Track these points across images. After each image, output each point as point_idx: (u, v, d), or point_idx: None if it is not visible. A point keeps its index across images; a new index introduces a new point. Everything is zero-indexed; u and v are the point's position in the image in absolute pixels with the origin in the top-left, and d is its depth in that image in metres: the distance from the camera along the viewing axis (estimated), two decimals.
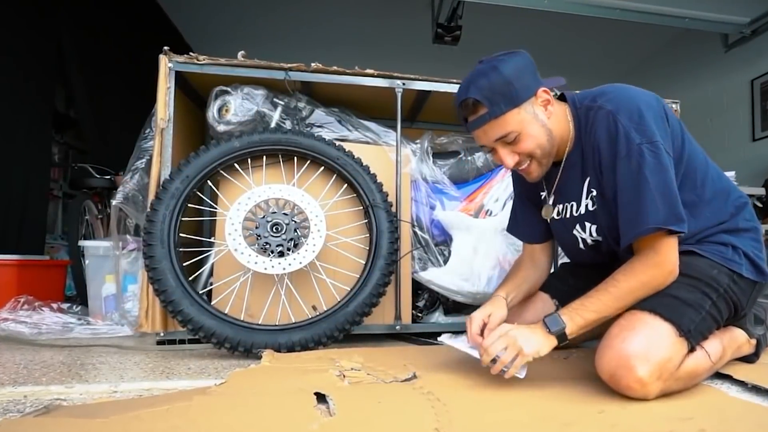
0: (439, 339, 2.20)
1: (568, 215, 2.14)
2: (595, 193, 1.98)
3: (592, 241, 2.09)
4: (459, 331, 2.79)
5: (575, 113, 1.99)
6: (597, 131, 1.87)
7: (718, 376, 1.98)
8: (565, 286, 2.41)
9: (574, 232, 2.14)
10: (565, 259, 2.98)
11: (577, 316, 1.76)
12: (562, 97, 2.07)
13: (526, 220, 2.44)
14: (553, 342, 1.75)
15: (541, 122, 1.90)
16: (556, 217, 2.21)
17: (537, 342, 1.74)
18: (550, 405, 1.65)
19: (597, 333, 2.44)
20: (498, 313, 2.07)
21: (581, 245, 2.16)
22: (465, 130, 2.00)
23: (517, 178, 2.44)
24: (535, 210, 2.38)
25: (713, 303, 1.83)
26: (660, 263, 1.77)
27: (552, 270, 2.49)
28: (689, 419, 1.53)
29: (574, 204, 2.09)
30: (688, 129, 1.99)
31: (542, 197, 2.28)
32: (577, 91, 2.08)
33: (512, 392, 1.77)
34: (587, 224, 2.07)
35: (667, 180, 1.74)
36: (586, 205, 2.04)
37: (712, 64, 7.42)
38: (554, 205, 2.20)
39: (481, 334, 1.95)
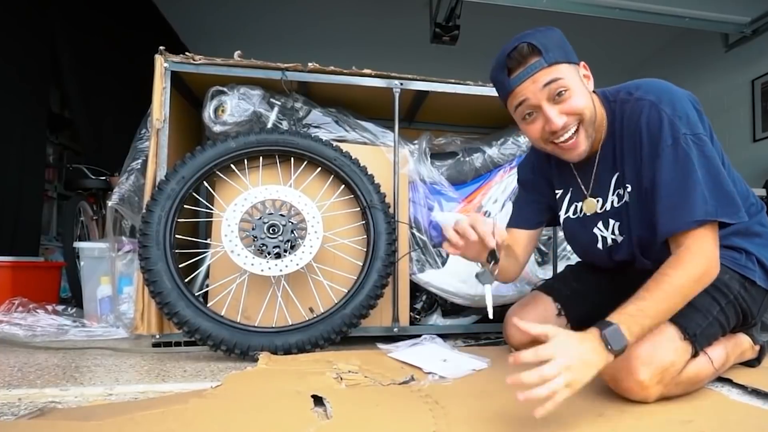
0: (389, 355, 2.24)
1: (590, 212, 2.11)
2: (622, 190, 1.95)
3: (612, 240, 2.06)
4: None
5: (608, 107, 1.96)
6: (639, 121, 1.82)
7: (718, 379, 1.96)
8: (568, 290, 2.40)
9: (595, 230, 2.11)
10: (567, 262, 3.00)
11: (636, 327, 1.53)
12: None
13: (526, 205, 2.38)
14: (608, 357, 1.48)
15: (587, 88, 1.88)
16: (572, 216, 2.19)
17: (592, 370, 1.45)
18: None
19: None
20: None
21: (599, 244, 2.12)
22: (503, 88, 1.90)
23: (528, 168, 2.39)
24: (539, 199, 2.34)
25: (721, 309, 1.81)
26: (709, 256, 1.66)
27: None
28: (689, 422, 1.53)
29: (600, 200, 2.06)
30: None
31: (557, 195, 2.25)
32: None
33: (510, 395, 1.77)
34: (611, 221, 2.03)
35: (715, 170, 1.71)
36: (612, 202, 2.01)
37: (712, 64, 7.44)
38: (571, 202, 2.18)
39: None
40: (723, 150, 1.92)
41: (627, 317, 1.53)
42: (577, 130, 1.86)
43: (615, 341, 1.48)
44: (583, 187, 2.15)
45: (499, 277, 2.17)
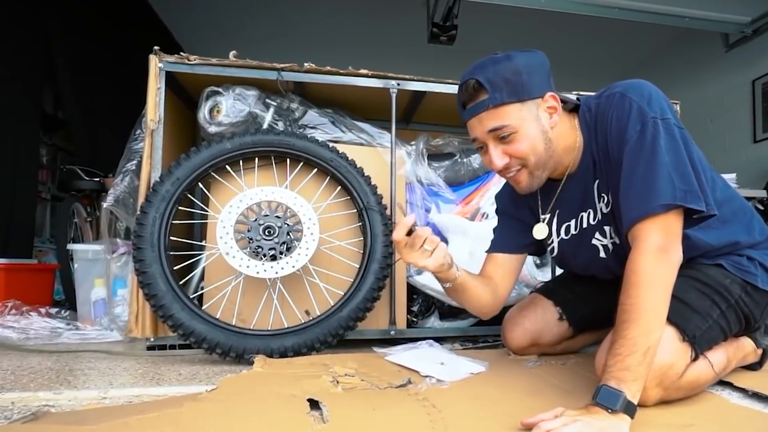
0: (386, 358, 2.25)
1: (585, 225, 2.05)
2: (606, 194, 1.92)
3: (612, 245, 2.00)
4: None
5: (584, 119, 1.93)
6: (609, 115, 1.80)
7: (719, 382, 1.96)
8: (571, 293, 2.39)
9: (594, 241, 2.05)
10: None
11: (620, 373, 1.45)
12: (575, 109, 1.99)
13: (506, 229, 2.34)
14: (627, 421, 1.40)
15: (542, 128, 1.84)
16: (565, 237, 2.14)
17: None
18: (548, 411, 1.65)
19: (597, 338, 2.47)
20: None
21: (602, 254, 2.05)
22: (461, 120, 1.93)
23: (502, 195, 2.39)
24: (520, 226, 2.29)
25: (722, 312, 1.80)
26: (667, 248, 1.59)
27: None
28: (689, 426, 1.53)
29: (591, 212, 2.02)
30: (688, 130, 1.96)
31: (544, 221, 2.19)
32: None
33: (508, 399, 1.77)
34: (606, 228, 1.99)
35: (682, 156, 1.65)
36: (601, 209, 1.97)
37: (712, 65, 7.45)
38: (560, 224, 2.13)
39: (409, 234, 1.82)
40: (703, 155, 1.89)
41: (608, 374, 1.48)
42: (519, 170, 1.89)
43: (610, 400, 1.41)
44: (541, 209, 2.17)
45: (473, 309, 2.23)
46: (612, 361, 1.49)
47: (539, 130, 1.83)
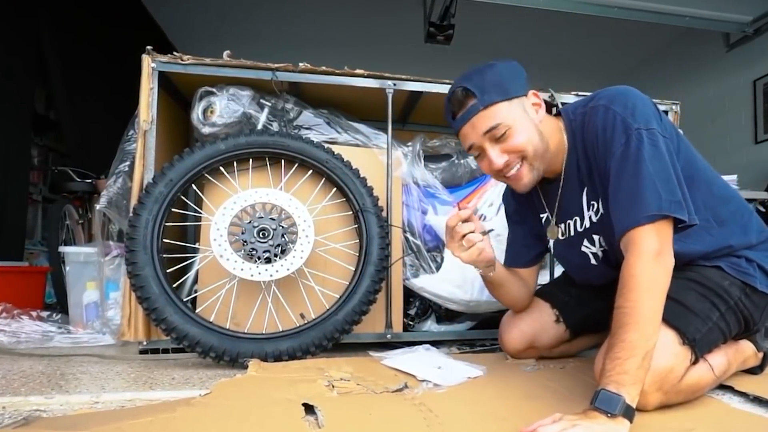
0: (382, 362, 2.29)
1: (572, 233, 2.11)
2: (596, 203, 1.95)
3: (602, 252, 2.04)
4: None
5: (569, 125, 1.98)
6: (595, 128, 1.83)
7: (720, 386, 1.97)
8: (567, 296, 2.40)
9: (583, 248, 2.10)
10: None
11: (619, 377, 1.47)
12: (558, 113, 2.05)
13: (515, 242, 2.43)
14: (626, 425, 1.42)
15: (532, 120, 1.90)
16: (561, 238, 2.19)
17: None
18: (545, 415, 1.64)
19: (596, 341, 2.47)
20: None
21: (593, 261, 2.10)
22: (453, 130, 1.99)
23: (508, 198, 2.45)
24: (526, 232, 2.37)
25: (721, 315, 1.81)
26: (661, 253, 1.61)
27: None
28: (689, 431, 1.54)
29: (578, 219, 2.06)
30: (688, 131, 1.97)
31: (542, 219, 2.26)
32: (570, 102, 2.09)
33: (506, 403, 1.78)
34: (595, 237, 2.03)
35: (666, 166, 1.68)
36: (590, 218, 2.00)
37: (713, 65, 7.45)
38: (557, 224, 2.17)
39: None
40: (702, 158, 1.96)
41: (605, 377, 1.50)
42: (521, 165, 1.93)
43: (607, 404, 1.43)
44: (547, 213, 2.20)
45: (506, 304, 2.38)
46: (610, 365, 1.50)
47: (531, 123, 1.90)
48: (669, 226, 1.66)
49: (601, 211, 1.94)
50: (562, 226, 2.15)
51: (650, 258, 1.60)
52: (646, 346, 1.50)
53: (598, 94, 1.90)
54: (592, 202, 1.97)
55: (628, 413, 1.43)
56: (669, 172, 1.68)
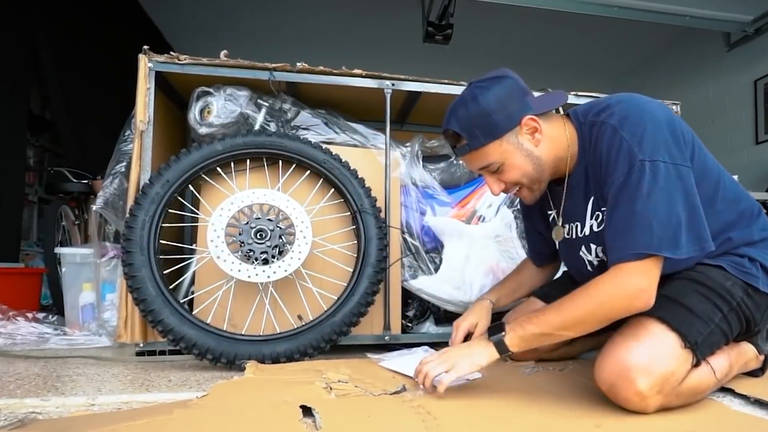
0: (380, 364, 2.35)
1: (574, 236, 2.12)
2: (600, 213, 1.95)
3: (598, 262, 2.05)
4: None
5: (579, 129, 1.97)
6: (601, 147, 1.83)
7: (720, 389, 1.97)
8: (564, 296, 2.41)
9: (580, 253, 2.11)
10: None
11: (519, 328, 1.80)
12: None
13: (533, 241, 2.54)
14: (492, 352, 1.81)
15: (526, 152, 1.93)
16: (566, 237, 2.19)
17: (473, 359, 1.82)
18: (545, 419, 1.66)
19: (596, 344, 2.48)
20: (483, 322, 2.24)
21: (588, 267, 2.11)
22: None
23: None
24: (539, 231, 2.43)
25: (724, 316, 1.80)
26: (624, 285, 1.69)
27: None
28: None
29: (579, 224, 2.07)
30: None
31: (551, 218, 2.27)
32: (581, 103, 2.09)
33: (504, 406, 1.78)
34: (593, 246, 2.03)
35: (664, 200, 1.67)
36: (591, 226, 2.01)
37: (713, 64, 7.46)
38: (563, 225, 2.18)
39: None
40: (712, 157, 1.95)
41: (516, 321, 1.83)
42: (519, 189, 2.04)
43: (493, 332, 1.83)
44: (554, 212, 2.23)
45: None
46: (525, 317, 1.82)
47: (524, 156, 1.94)
48: (656, 263, 1.69)
49: (605, 222, 1.92)
50: (567, 226, 2.15)
51: (632, 292, 1.69)
52: (553, 332, 1.76)
53: (610, 106, 1.86)
54: (597, 213, 1.97)
55: (500, 347, 1.80)
56: (668, 209, 1.67)
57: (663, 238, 1.65)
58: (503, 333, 1.80)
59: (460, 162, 3.28)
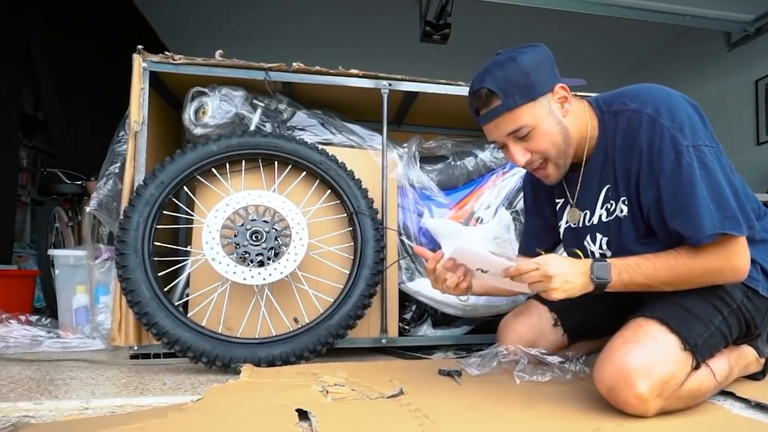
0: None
1: (581, 225, 2.13)
2: (612, 205, 1.97)
3: (600, 255, 2.06)
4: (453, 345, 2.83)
5: (600, 116, 1.99)
6: (638, 136, 1.83)
7: (721, 392, 1.98)
8: (566, 299, 2.41)
9: (585, 243, 2.12)
10: None
11: (625, 274, 1.78)
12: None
13: (532, 232, 2.51)
14: (589, 289, 1.80)
15: (557, 119, 1.91)
16: (573, 225, 2.19)
17: (572, 287, 1.79)
18: (543, 422, 1.66)
19: (593, 347, 2.48)
20: None
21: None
22: (476, 123, 2.01)
23: (526, 187, 2.49)
24: (543, 223, 2.42)
25: (724, 319, 1.82)
26: (729, 256, 1.74)
27: None
28: None
29: (588, 212, 2.08)
30: None
31: (558, 205, 2.28)
32: (594, 94, 2.10)
33: (503, 409, 1.78)
34: (598, 236, 2.05)
35: (717, 182, 1.73)
36: (600, 216, 2.02)
37: (714, 64, 7.47)
38: (580, 210, 2.17)
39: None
40: (724, 152, 1.94)
41: (623, 263, 1.80)
42: (543, 163, 1.98)
43: (600, 272, 1.78)
44: (566, 197, 2.20)
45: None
46: (631, 262, 1.81)
47: (555, 123, 1.92)
48: (733, 239, 1.74)
49: (617, 213, 1.96)
50: (582, 212, 2.16)
51: (732, 269, 1.78)
52: (657, 286, 1.81)
53: (638, 96, 1.90)
54: (610, 202, 1.99)
55: (601, 277, 1.78)
56: (719, 189, 1.73)
57: (724, 218, 1.71)
58: (608, 279, 1.78)
59: (458, 163, 3.29)
